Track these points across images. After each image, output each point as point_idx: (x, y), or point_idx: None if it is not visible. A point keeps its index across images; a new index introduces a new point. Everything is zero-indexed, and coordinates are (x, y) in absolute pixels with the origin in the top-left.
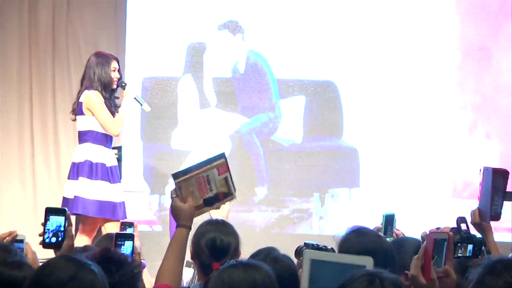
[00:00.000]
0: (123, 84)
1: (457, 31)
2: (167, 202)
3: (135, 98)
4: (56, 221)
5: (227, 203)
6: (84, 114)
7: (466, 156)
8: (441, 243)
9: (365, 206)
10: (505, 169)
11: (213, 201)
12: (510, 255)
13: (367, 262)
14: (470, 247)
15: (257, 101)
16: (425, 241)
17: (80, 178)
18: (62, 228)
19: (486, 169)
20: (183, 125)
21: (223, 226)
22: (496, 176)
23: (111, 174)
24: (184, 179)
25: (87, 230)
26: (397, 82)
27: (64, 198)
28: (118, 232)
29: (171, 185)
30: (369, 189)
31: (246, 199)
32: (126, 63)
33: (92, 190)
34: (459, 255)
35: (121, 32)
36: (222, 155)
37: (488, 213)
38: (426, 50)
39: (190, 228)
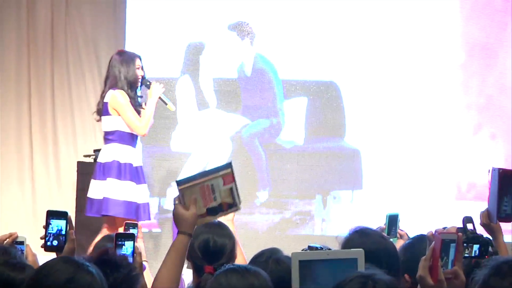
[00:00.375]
0: (148, 83)
1: (461, 29)
2: (167, 204)
3: (160, 97)
4: (58, 224)
5: None
6: (110, 114)
7: (470, 157)
8: (448, 243)
9: (368, 208)
10: None
11: (217, 211)
12: None
13: (358, 254)
14: (475, 247)
15: (260, 104)
16: (433, 242)
17: (108, 178)
18: (63, 231)
19: (493, 169)
20: (183, 126)
21: (217, 228)
22: (506, 177)
23: (137, 175)
24: (188, 187)
25: (114, 230)
26: (400, 82)
27: (89, 198)
28: (118, 232)
29: (173, 187)
30: (372, 191)
31: (248, 201)
32: None
33: (121, 191)
34: (465, 255)
35: (121, 32)
36: (229, 165)
37: (494, 214)
38: (430, 49)
39: (191, 236)
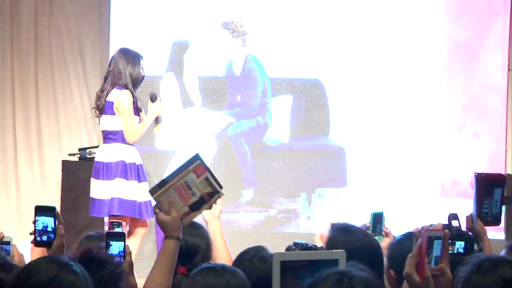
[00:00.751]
0: (154, 98)
1: (445, 28)
2: (153, 203)
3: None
4: (44, 221)
5: (219, 203)
6: (115, 114)
7: (454, 155)
8: (433, 240)
9: (353, 206)
10: (501, 174)
11: (200, 205)
12: (502, 252)
13: (340, 255)
14: (458, 244)
15: (246, 102)
16: (419, 239)
17: (116, 179)
18: (49, 228)
19: (475, 175)
20: (168, 124)
21: (190, 228)
22: (485, 181)
23: (138, 173)
24: (162, 192)
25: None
26: (384, 80)
27: (93, 199)
28: (109, 231)
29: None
30: (357, 188)
31: (233, 200)
32: None
33: (129, 191)
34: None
35: (105, 30)
36: (196, 157)
37: (475, 217)
38: (414, 48)
39: (178, 239)
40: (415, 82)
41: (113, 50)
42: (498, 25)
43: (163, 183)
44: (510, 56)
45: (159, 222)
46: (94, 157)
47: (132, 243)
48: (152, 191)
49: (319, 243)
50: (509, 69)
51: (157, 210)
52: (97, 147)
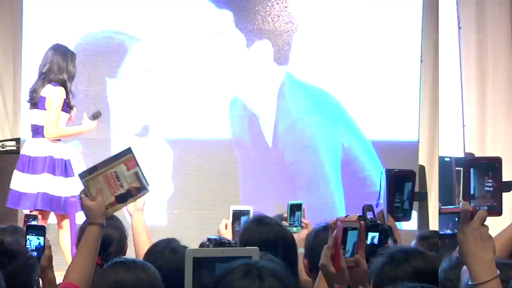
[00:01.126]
0: (97, 116)
1: (358, 19)
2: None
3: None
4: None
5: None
6: (46, 109)
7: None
8: (349, 231)
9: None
10: (410, 169)
11: (126, 197)
12: (413, 243)
13: (253, 253)
14: (371, 235)
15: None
16: (335, 230)
17: (43, 174)
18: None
19: (386, 170)
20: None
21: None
22: (396, 177)
23: (65, 169)
24: (91, 178)
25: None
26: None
27: (13, 190)
28: (30, 224)
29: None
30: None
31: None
32: (23, 56)
33: (55, 186)
34: None
35: (18, 25)
36: (129, 150)
37: (386, 214)
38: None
39: (102, 226)
40: (342, 77)
41: (26, 46)
42: (411, 16)
43: (93, 169)
44: (422, 47)
45: (84, 207)
46: (7, 150)
47: (64, 237)
48: (81, 175)
49: (224, 232)
50: (421, 61)
51: (83, 196)
52: (12, 140)
